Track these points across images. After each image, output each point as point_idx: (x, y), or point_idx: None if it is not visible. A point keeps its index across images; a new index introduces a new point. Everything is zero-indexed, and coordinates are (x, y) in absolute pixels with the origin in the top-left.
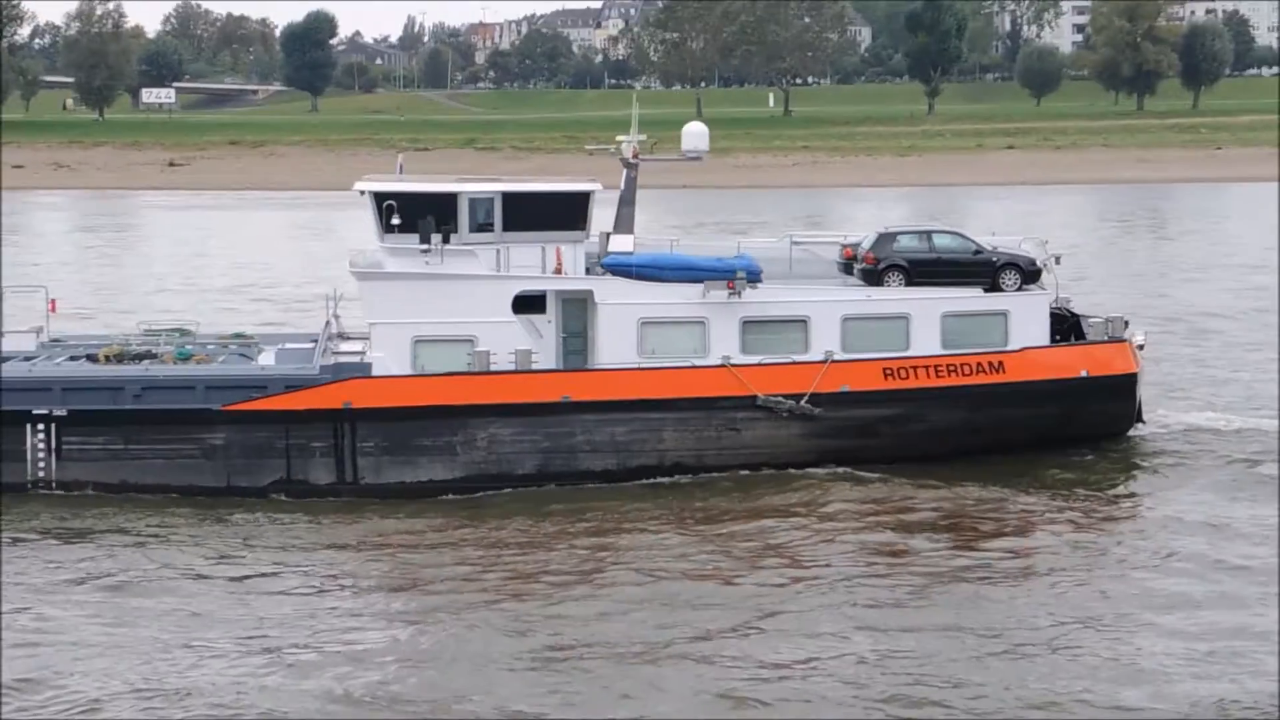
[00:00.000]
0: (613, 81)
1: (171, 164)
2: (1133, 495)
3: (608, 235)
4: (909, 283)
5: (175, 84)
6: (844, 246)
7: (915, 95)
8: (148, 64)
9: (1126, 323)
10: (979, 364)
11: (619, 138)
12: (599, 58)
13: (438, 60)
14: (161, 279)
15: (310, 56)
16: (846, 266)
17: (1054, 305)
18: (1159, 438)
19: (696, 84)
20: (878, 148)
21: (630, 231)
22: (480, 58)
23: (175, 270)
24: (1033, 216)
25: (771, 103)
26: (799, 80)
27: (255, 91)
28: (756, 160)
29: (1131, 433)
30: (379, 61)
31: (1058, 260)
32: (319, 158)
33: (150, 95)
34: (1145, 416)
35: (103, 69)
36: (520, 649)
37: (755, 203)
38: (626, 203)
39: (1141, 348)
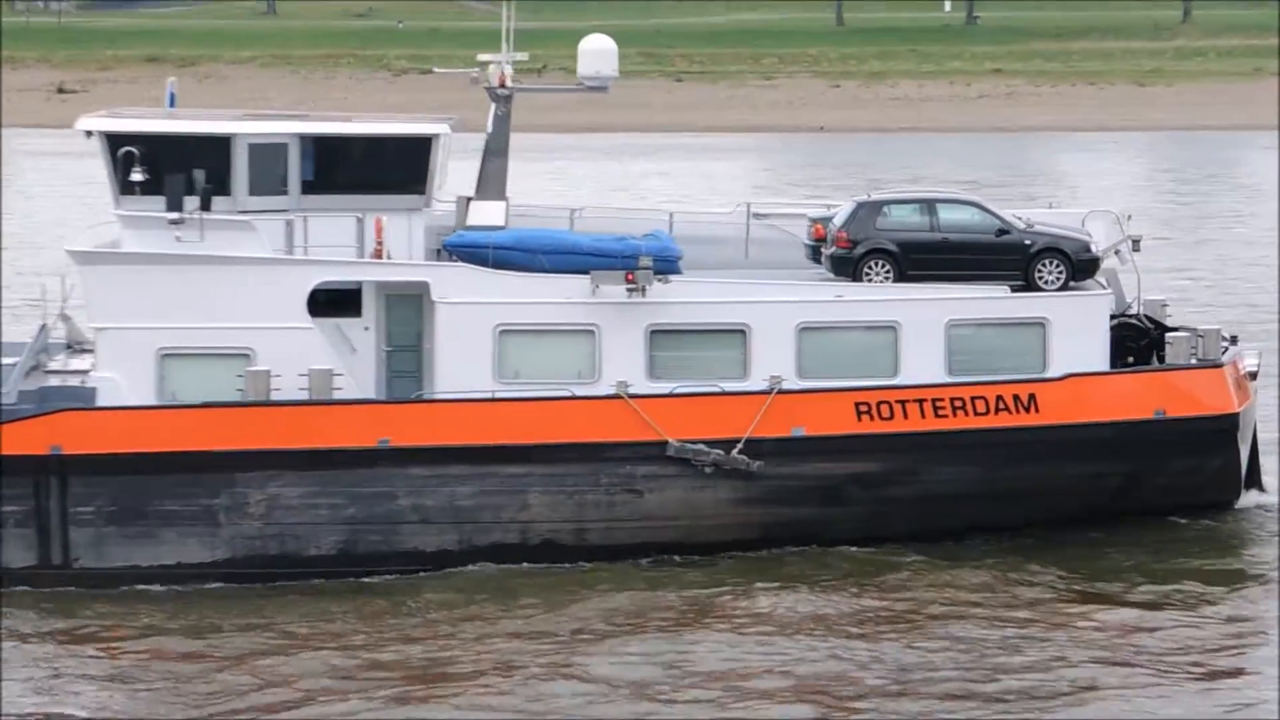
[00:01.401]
0: None
1: (61, 90)
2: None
3: (467, 202)
4: (900, 277)
5: None
6: (813, 221)
7: None
8: None
9: (1232, 338)
10: (1001, 398)
11: (482, 56)
12: None
13: None
14: None
15: None
16: (816, 251)
17: (1126, 312)
18: None
19: None
20: (1105, 73)
21: (501, 196)
22: None
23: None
24: None
25: (948, 6)
26: None
27: None
28: (923, 90)
29: (1242, 504)
30: None
31: (1136, 245)
32: (278, 81)
33: None
34: (1265, 481)
35: None
36: None
37: (918, 151)
38: (495, 153)
39: (1254, 376)
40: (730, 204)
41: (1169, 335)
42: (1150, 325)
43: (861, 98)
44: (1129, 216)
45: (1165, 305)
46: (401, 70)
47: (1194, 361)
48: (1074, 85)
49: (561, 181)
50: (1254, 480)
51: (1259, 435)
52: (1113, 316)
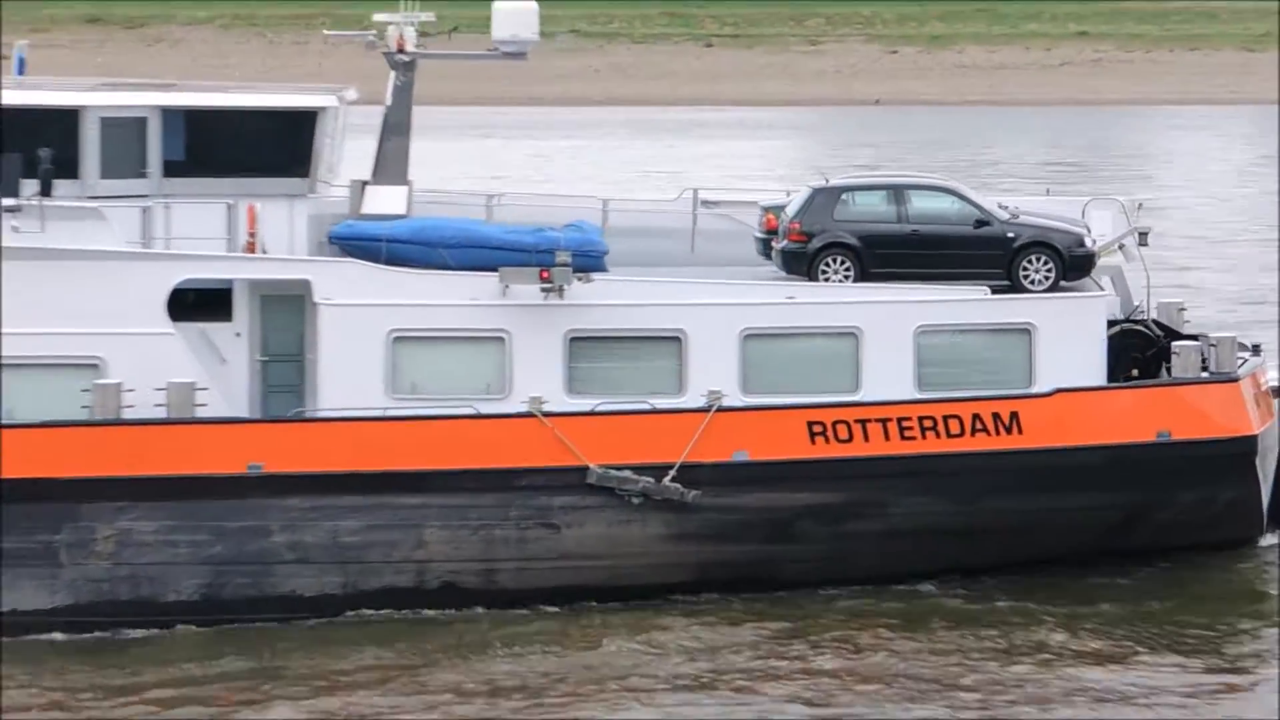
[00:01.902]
0: None
1: None
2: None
3: (363, 186)
4: (862, 276)
5: None
6: (765, 211)
7: None
8: None
9: (1254, 348)
10: (979, 418)
11: (378, 17)
12: None
13: None
14: None
15: None
16: (768, 245)
17: (1132, 318)
18: None
19: None
20: (1209, 37)
21: (402, 180)
22: None
23: None
24: None
25: None
26: None
27: None
28: (995, 56)
29: (1268, 542)
30: None
31: (1144, 239)
32: (241, 46)
33: None
34: None
35: None
36: None
37: (989, 129)
38: (395, 130)
39: (1278, 391)
40: (675, 190)
41: (1176, 344)
42: (1160, 332)
43: (922, 66)
44: (1139, 205)
45: (1182, 309)
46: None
47: (1205, 375)
48: (1171, 51)
49: (555, 164)
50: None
51: None
52: (1114, 322)
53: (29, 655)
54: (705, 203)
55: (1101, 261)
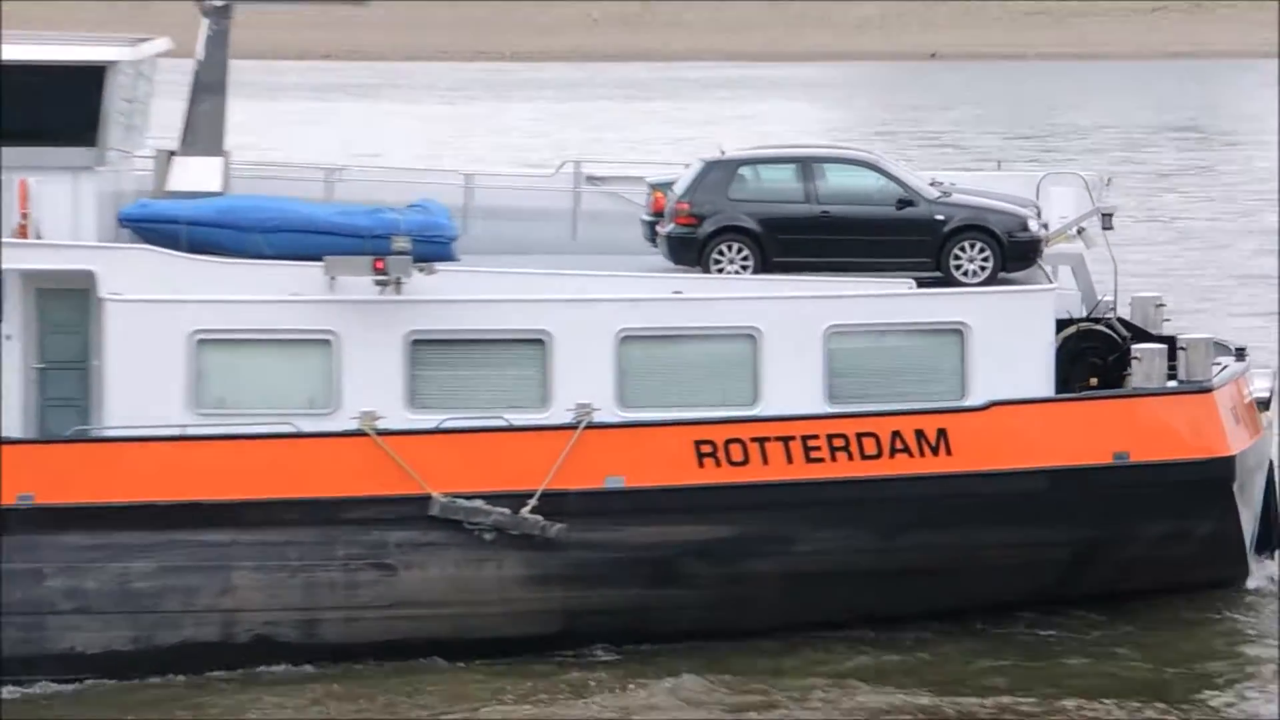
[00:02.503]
0: None
1: None
2: None
3: (169, 157)
4: (763, 267)
5: None
6: (653, 188)
7: None
8: None
9: (1238, 352)
10: (899, 436)
11: None
12: None
13: None
14: None
15: None
16: (655, 229)
17: (1095, 314)
18: None
19: None
20: None
21: (216, 151)
22: None
23: None
24: None
25: None
26: None
27: None
28: (1074, 3)
29: (1254, 584)
30: None
31: (1108, 221)
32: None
33: None
34: None
35: None
36: None
37: (1067, 87)
38: (207, 89)
39: (1266, 403)
40: (554, 164)
41: (1137, 348)
42: (1127, 333)
43: (988, 14)
44: (1108, 180)
45: (1160, 304)
46: None
47: (1173, 385)
48: None
49: (521, 135)
50: (1269, 546)
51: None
52: (1070, 321)
53: None
54: (591, 178)
55: (1059, 249)
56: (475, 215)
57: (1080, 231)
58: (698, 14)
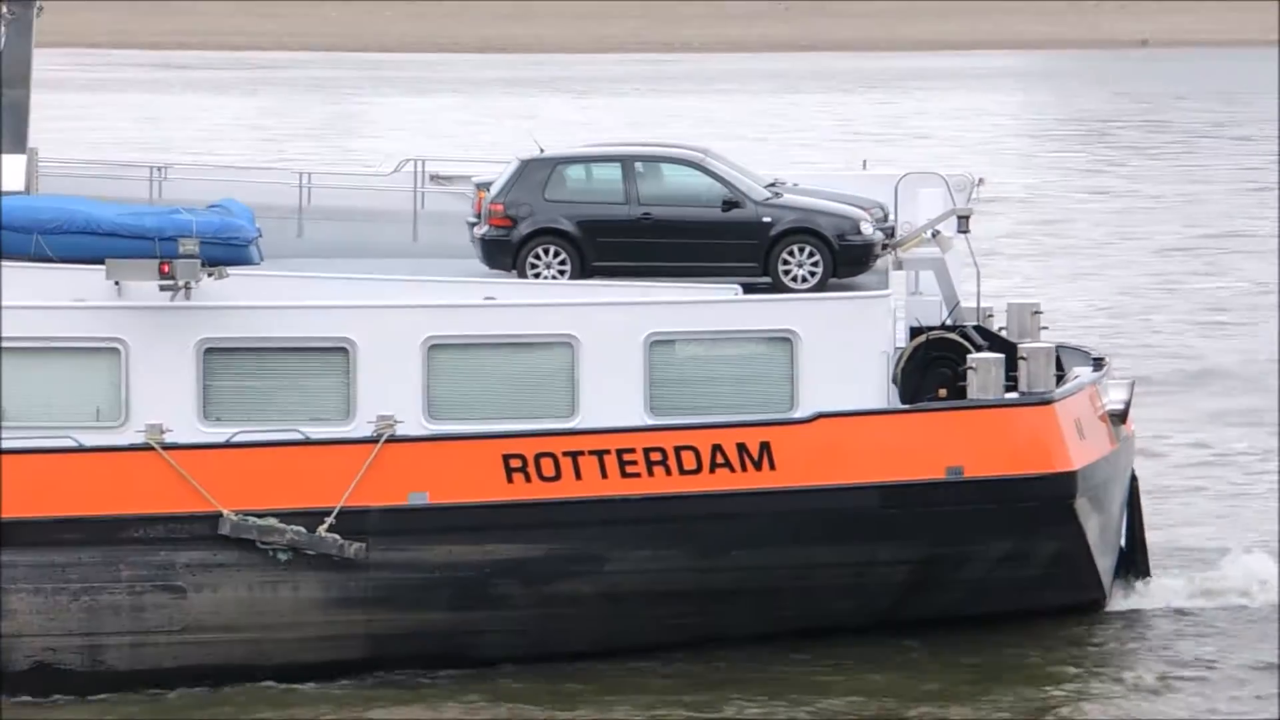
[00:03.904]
0: None
1: None
2: None
3: None
4: (582, 272)
5: None
6: (478, 188)
7: None
8: None
9: (1095, 361)
10: (720, 450)
11: None
12: None
13: None
14: None
15: None
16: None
17: (948, 324)
18: (1178, 623)
19: None
20: None
21: (20, 148)
22: None
23: None
24: None
25: None
26: None
27: None
28: None
29: (1122, 606)
30: None
31: (964, 224)
32: None
33: None
34: (1153, 567)
35: None
36: None
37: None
38: (10, 84)
39: (1123, 417)
40: (394, 161)
41: (973, 358)
42: (984, 343)
43: None
44: (979, 181)
45: (1037, 312)
46: None
47: (1012, 396)
48: None
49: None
50: (1136, 571)
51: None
52: (922, 330)
53: None
54: (435, 177)
55: (919, 253)
56: (313, 216)
57: (935, 235)
58: (888, 3)
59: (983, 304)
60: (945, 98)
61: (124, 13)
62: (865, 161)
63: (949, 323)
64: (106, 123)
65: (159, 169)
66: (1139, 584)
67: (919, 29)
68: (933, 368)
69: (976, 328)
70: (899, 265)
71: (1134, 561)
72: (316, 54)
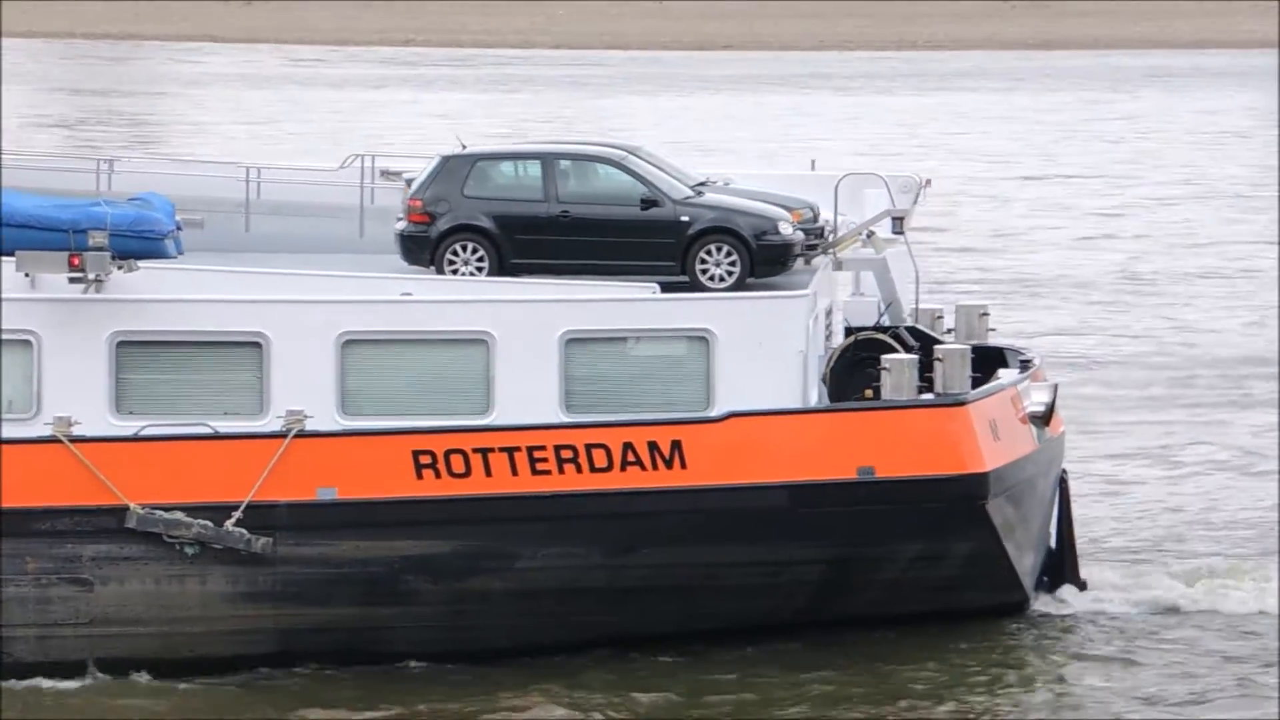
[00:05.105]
0: None
1: None
2: None
3: None
4: (500, 269)
5: None
6: (408, 184)
7: None
8: None
9: (1023, 363)
10: (631, 448)
11: None
12: None
13: None
14: None
15: None
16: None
17: (882, 325)
18: (1101, 625)
19: None
20: None
21: None
22: None
23: None
24: None
25: None
26: None
27: None
28: None
29: (1050, 609)
30: None
31: (899, 226)
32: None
33: None
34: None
35: None
36: None
37: None
38: None
39: (1046, 419)
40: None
41: (887, 358)
42: (915, 343)
43: None
44: (927, 181)
45: (985, 314)
46: None
47: (926, 397)
48: None
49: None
50: (1063, 573)
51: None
52: (853, 330)
53: None
54: (385, 173)
55: (858, 254)
56: (261, 211)
57: (870, 235)
58: (1114, 2)
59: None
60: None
61: (348, 10)
62: (814, 161)
63: (884, 323)
64: (339, 116)
65: (106, 161)
66: (1067, 585)
67: (1143, 27)
68: (860, 368)
69: (910, 329)
70: (839, 266)
71: (1063, 562)
72: (546, 51)
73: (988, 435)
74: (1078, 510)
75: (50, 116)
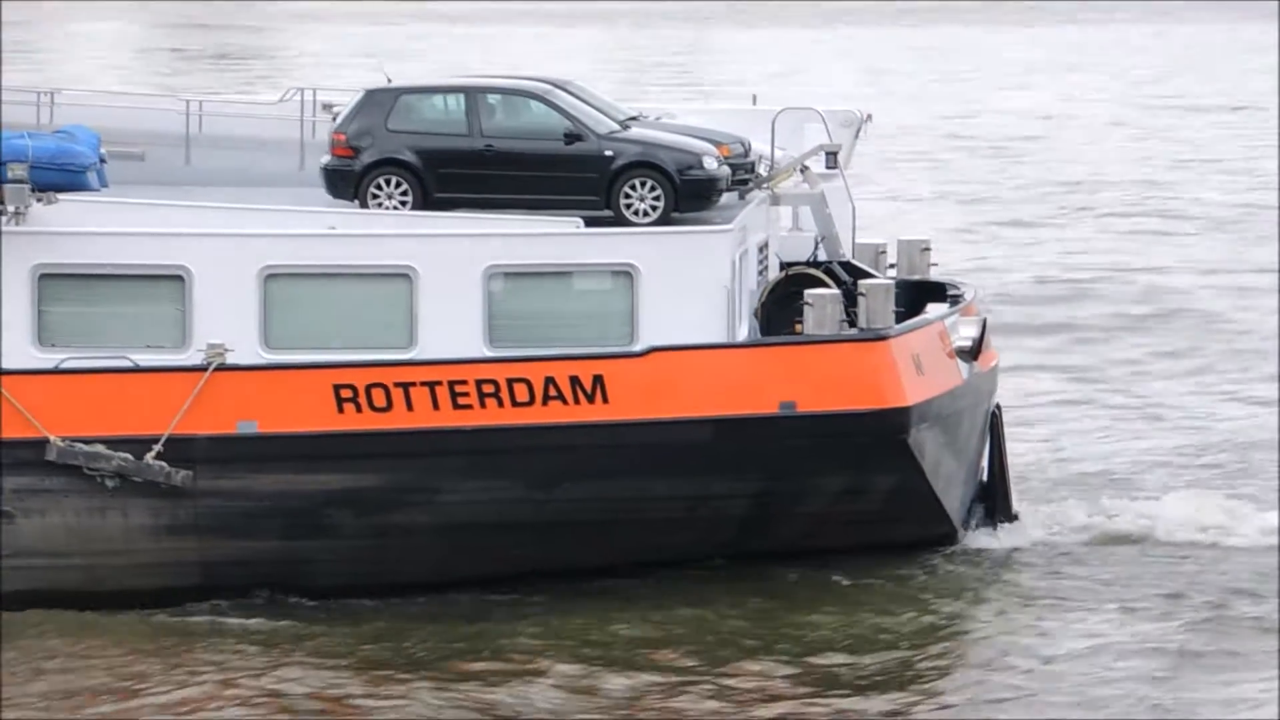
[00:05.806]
0: None
1: None
2: None
3: None
4: (424, 203)
5: None
6: (334, 116)
7: None
8: None
9: (951, 299)
10: (553, 382)
11: None
12: None
13: None
14: None
15: None
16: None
17: (816, 261)
18: (1042, 554)
19: None
20: None
21: None
22: None
23: None
24: None
25: None
26: None
27: None
28: None
29: (980, 542)
30: None
31: (832, 160)
32: None
33: None
34: (1017, 507)
35: None
36: None
37: None
38: None
39: (974, 354)
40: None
41: (810, 293)
42: (848, 278)
43: None
44: (868, 116)
45: (926, 249)
46: None
47: (848, 332)
48: None
49: None
50: (997, 509)
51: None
52: (788, 265)
53: None
54: (326, 106)
55: (790, 188)
56: (202, 144)
57: (804, 170)
58: None
59: None
60: None
61: None
62: (755, 97)
63: (818, 258)
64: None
65: (46, 94)
66: (999, 518)
67: None
68: (792, 303)
69: (844, 264)
70: (775, 201)
71: (995, 495)
72: None
73: (910, 369)
74: (1011, 444)
75: None
